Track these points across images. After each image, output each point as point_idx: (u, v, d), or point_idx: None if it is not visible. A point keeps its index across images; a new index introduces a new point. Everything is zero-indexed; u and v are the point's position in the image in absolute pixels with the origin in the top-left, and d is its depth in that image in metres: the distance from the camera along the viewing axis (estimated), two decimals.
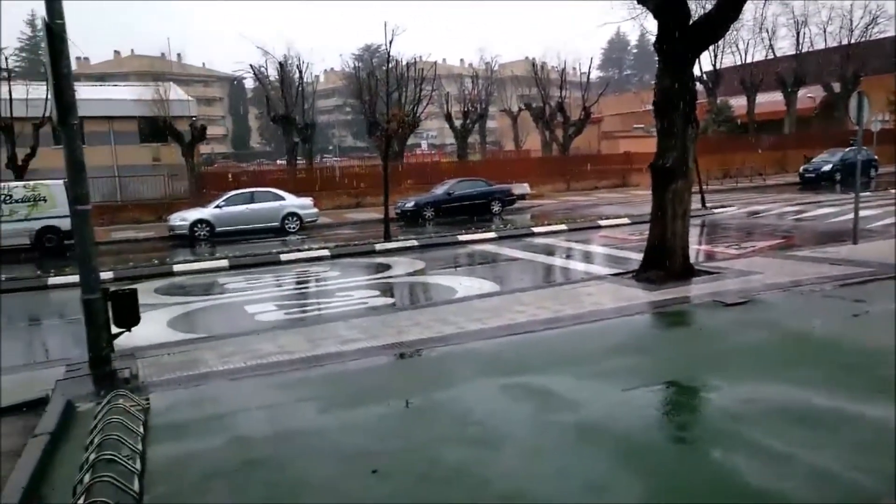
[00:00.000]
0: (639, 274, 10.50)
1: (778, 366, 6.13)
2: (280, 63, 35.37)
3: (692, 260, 10.97)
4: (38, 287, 13.61)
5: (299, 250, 16.73)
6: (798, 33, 41.24)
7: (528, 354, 7.00)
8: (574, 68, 45.11)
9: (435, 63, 38.56)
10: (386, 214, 18.54)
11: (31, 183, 20.32)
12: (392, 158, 23.55)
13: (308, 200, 23.26)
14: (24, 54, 72.95)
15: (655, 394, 5.62)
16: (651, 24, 33.73)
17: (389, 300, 11.17)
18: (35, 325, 11.27)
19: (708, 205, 21.89)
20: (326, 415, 5.59)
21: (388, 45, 20.54)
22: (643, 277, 10.29)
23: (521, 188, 29.11)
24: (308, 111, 35.64)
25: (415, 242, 17.20)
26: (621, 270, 11.60)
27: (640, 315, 8.45)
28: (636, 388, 5.66)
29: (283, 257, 15.80)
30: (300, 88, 35.52)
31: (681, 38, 10.00)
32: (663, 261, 10.29)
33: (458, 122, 40.25)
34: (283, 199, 22.75)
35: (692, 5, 10.50)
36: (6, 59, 39.19)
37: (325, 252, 16.11)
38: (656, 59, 10.41)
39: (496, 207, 24.90)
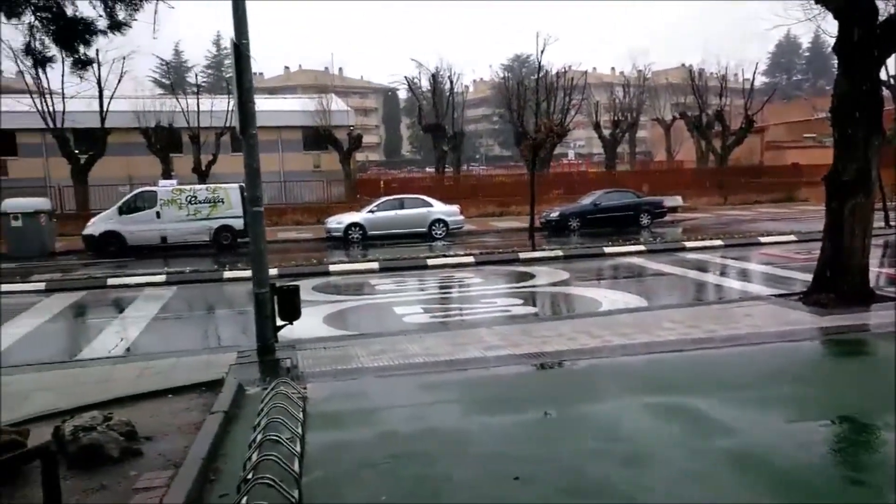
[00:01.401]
0: (807, 296, 9.66)
1: None
2: (433, 74, 36.64)
3: (872, 284, 9.91)
4: (214, 280, 15.11)
5: (445, 256, 17.19)
6: None
7: (677, 374, 6.70)
8: (736, 74, 42.45)
9: (585, 72, 38.01)
10: (531, 224, 18.53)
11: (212, 186, 22.63)
12: (538, 168, 23.52)
13: (455, 208, 23.83)
14: (209, 71, 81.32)
15: (826, 429, 5.15)
16: (828, 25, 30.93)
17: (532, 309, 11.16)
18: (211, 314, 12.52)
19: (893, 223, 19.66)
20: (469, 418, 5.71)
21: (539, 54, 20.58)
22: (812, 300, 9.45)
23: (673, 201, 27.85)
24: (457, 120, 36.56)
25: (559, 253, 17.03)
26: (785, 291, 10.74)
27: (807, 342, 7.78)
28: (802, 421, 5.23)
29: (430, 262, 16.31)
30: (450, 98, 36.54)
31: (866, 39, 9.10)
32: (837, 283, 9.38)
33: (606, 132, 39.36)
34: (430, 205, 23.48)
35: (880, 4, 9.54)
36: (196, 75, 43.76)
37: (470, 259, 16.41)
38: (833, 62, 9.55)
39: (645, 220, 24.02)
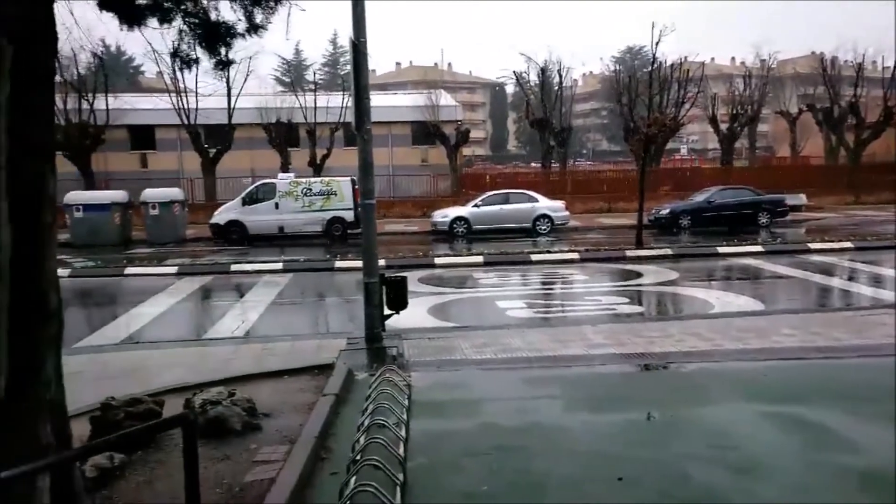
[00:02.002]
0: None
1: None
2: (541, 68, 36.26)
3: None
4: (326, 269, 15.81)
5: (549, 251, 17.04)
6: None
7: (797, 383, 6.32)
8: (875, 61, 38.97)
9: (702, 63, 36.25)
10: (639, 221, 17.99)
11: (326, 179, 23.64)
12: (648, 163, 22.75)
13: (560, 203, 23.54)
14: (326, 68, 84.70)
15: None
16: None
17: (638, 308, 10.86)
18: (322, 301, 13.12)
19: None
20: (571, 415, 5.68)
21: (653, 46, 19.82)
22: None
23: (796, 199, 26.08)
24: (565, 115, 36.01)
25: (668, 251, 16.43)
26: None
27: None
28: None
29: (534, 257, 16.23)
30: (559, 93, 36.03)
31: None
32: None
33: (723, 126, 37.37)
34: (536, 200, 23.33)
35: None
36: (314, 73, 45.76)
37: (575, 255, 16.18)
38: None
39: (764, 219, 22.65)
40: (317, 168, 30.92)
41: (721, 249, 16.54)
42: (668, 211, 23.19)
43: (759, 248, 16.60)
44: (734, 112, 37.38)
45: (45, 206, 2.63)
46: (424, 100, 35.14)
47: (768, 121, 54.27)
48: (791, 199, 24.73)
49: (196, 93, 29.99)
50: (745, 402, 5.73)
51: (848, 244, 16.69)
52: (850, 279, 12.89)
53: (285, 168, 29.79)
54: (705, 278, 13.49)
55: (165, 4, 4.54)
